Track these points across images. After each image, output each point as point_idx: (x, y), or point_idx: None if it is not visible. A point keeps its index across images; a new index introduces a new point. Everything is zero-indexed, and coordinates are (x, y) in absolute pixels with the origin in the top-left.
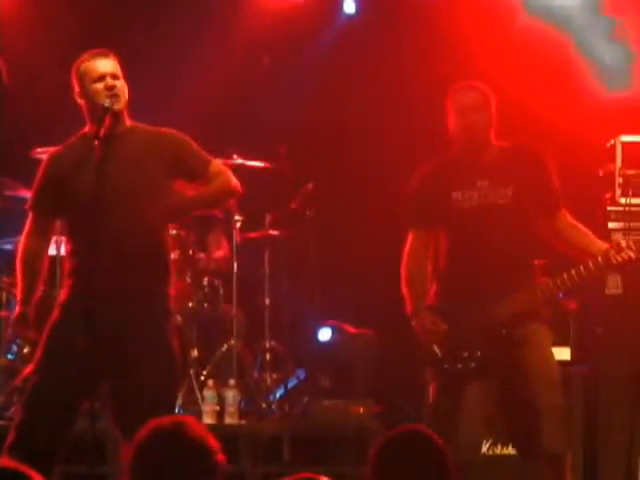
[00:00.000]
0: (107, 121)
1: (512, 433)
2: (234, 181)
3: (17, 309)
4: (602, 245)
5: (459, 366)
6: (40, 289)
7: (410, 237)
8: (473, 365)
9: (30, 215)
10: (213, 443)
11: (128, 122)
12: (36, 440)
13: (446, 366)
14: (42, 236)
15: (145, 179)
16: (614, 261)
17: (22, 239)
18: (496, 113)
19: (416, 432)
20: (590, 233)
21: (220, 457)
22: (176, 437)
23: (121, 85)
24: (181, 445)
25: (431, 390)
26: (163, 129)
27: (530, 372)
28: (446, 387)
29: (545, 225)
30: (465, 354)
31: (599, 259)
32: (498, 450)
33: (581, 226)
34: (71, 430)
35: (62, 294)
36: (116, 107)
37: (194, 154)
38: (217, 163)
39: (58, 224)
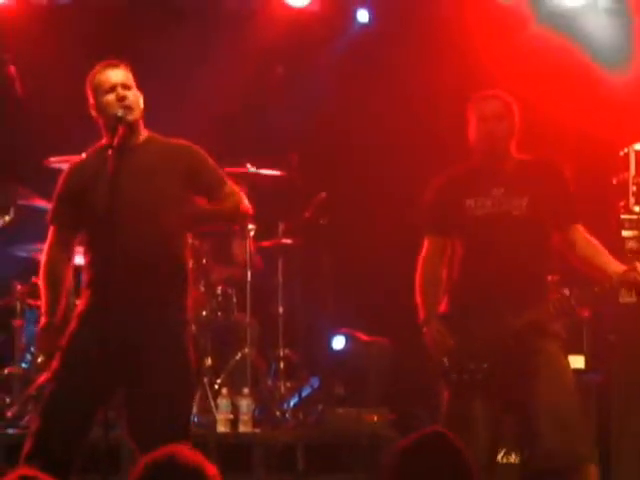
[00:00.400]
0: (120, 131)
1: (524, 444)
2: (246, 204)
3: (42, 320)
4: (618, 267)
5: (465, 377)
6: (64, 301)
7: (426, 244)
8: (479, 376)
9: (51, 228)
10: (211, 470)
11: (145, 133)
12: (53, 449)
13: (453, 376)
14: (63, 248)
15: (159, 190)
16: (631, 284)
17: (44, 251)
18: (519, 124)
19: (438, 435)
20: (606, 251)
21: None
22: (170, 469)
23: (134, 95)
24: (176, 477)
25: (444, 398)
26: (180, 141)
27: (543, 382)
28: (455, 397)
29: (559, 239)
30: (472, 365)
31: (615, 281)
32: (509, 459)
33: (597, 242)
34: (87, 439)
35: (80, 304)
36: (129, 117)
37: (209, 169)
38: (232, 184)
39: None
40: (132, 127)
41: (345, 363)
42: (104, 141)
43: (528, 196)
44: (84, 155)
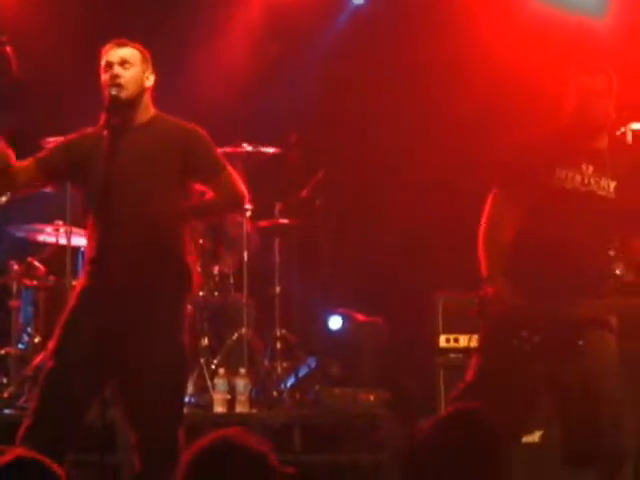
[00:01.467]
0: (114, 109)
1: (565, 430)
2: (243, 191)
3: None
4: None
5: (515, 342)
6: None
7: (494, 198)
8: (528, 347)
9: (33, 158)
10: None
11: (151, 112)
12: (52, 425)
13: (500, 335)
14: (25, 175)
15: (156, 171)
16: None
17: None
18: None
19: (470, 413)
20: None
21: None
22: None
23: (130, 74)
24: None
25: (472, 364)
26: (185, 123)
27: (590, 370)
28: (493, 361)
29: (636, 233)
30: (524, 334)
31: None
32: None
33: None
34: (86, 416)
35: (78, 283)
36: (122, 95)
37: (208, 153)
38: (230, 172)
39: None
40: (130, 106)
41: (342, 343)
42: (102, 117)
43: (617, 180)
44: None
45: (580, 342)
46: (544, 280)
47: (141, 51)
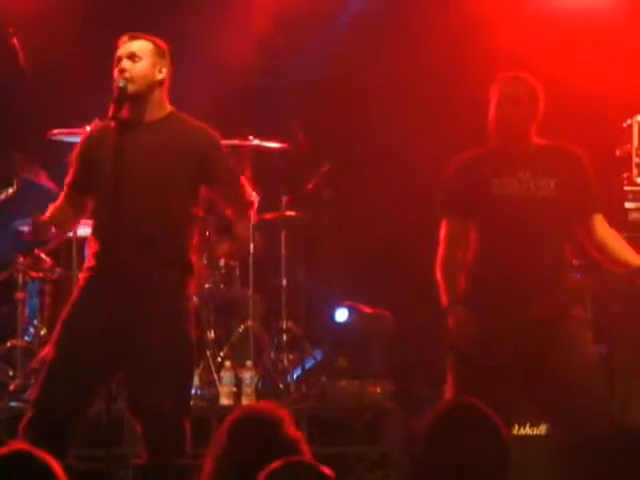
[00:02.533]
0: (121, 102)
1: (556, 422)
2: (254, 202)
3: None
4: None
5: (487, 363)
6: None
7: (446, 225)
8: (501, 362)
9: (65, 189)
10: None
11: (166, 109)
12: (54, 417)
13: (474, 361)
14: (74, 207)
15: (168, 169)
16: None
17: (55, 202)
18: (542, 109)
19: (469, 405)
20: (626, 243)
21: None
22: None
23: (138, 68)
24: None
25: (448, 382)
26: (203, 126)
27: (568, 367)
28: (468, 381)
29: (580, 227)
30: (495, 350)
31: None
32: (526, 430)
33: (619, 236)
34: (87, 410)
35: (82, 276)
36: (129, 88)
37: (225, 163)
38: (243, 184)
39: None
40: (139, 100)
41: (348, 335)
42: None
43: (556, 177)
44: (100, 125)
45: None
46: (503, 290)
47: (156, 44)
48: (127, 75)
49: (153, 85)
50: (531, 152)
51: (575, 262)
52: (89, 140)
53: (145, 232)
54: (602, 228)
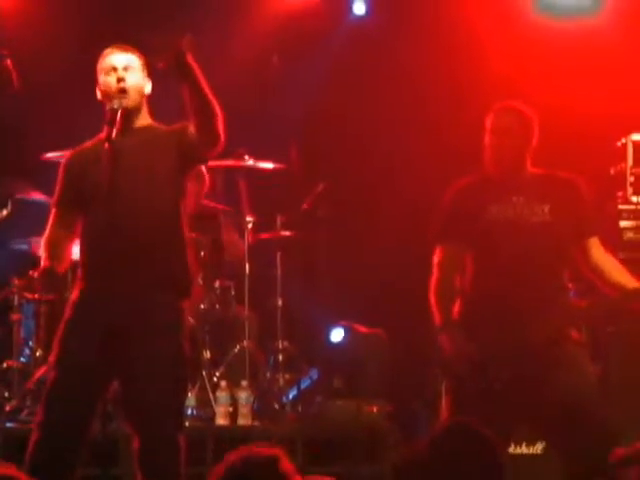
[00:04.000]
0: (117, 122)
1: (555, 448)
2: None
3: (42, 264)
4: (633, 284)
5: (483, 385)
6: (64, 261)
7: (439, 252)
8: (498, 386)
9: (52, 210)
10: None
11: (148, 120)
12: (61, 437)
13: (469, 384)
14: (65, 227)
15: (153, 173)
16: None
17: (46, 231)
18: (536, 139)
19: (465, 426)
20: (622, 268)
21: None
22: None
23: (133, 79)
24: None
25: (444, 403)
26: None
27: (568, 390)
28: (464, 403)
29: (575, 250)
30: (491, 374)
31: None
32: (522, 449)
33: (613, 258)
34: (92, 424)
35: (74, 293)
36: (125, 103)
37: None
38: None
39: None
40: (131, 113)
41: (343, 355)
42: (104, 130)
43: (549, 203)
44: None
45: (550, 361)
46: (500, 315)
47: (140, 58)
48: (126, 85)
49: (143, 98)
50: (525, 180)
51: (570, 285)
52: (74, 157)
53: (137, 244)
54: (597, 252)
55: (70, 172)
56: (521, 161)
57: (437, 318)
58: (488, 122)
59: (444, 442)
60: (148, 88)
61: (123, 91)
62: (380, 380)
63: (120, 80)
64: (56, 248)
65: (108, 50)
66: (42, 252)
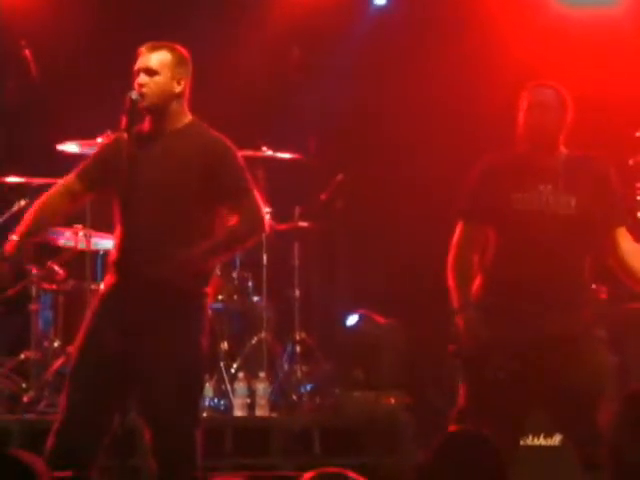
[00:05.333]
0: (133, 114)
1: (569, 438)
2: (265, 219)
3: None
4: None
5: (496, 372)
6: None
7: (460, 229)
8: (502, 375)
9: (68, 176)
10: None
11: (185, 119)
12: (81, 428)
13: (481, 370)
14: (69, 194)
15: (178, 179)
16: None
17: (47, 192)
18: (571, 118)
19: (471, 433)
20: None
21: None
22: None
23: (155, 82)
24: None
25: (461, 392)
26: (217, 136)
27: (586, 385)
28: (478, 390)
29: (604, 243)
30: (497, 362)
31: None
32: (540, 441)
33: None
34: (113, 419)
35: (103, 284)
36: (143, 102)
37: (232, 173)
38: (254, 197)
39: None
40: (157, 113)
41: (361, 345)
42: (122, 119)
43: (577, 196)
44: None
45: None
46: (519, 304)
47: (175, 54)
48: (144, 90)
49: (171, 98)
50: (556, 164)
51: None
52: (114, 143)
53: (159, 242)
54: (625, 242)
55: (104, 155)
56: (557, 139)
57: (455, 299)
58: (523, 99)
59: (448, 450)
60: (180, 86)
61: (142, 95)
62: (397, 370)
63: (139, 86)
64: (44, 213)
65: (140, 49)
66: (25, 215)
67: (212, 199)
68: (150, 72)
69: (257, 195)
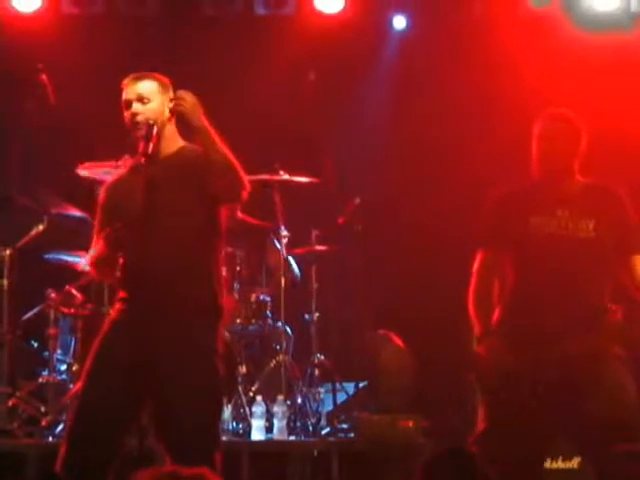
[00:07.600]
0: (141, 149)
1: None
2: (245, 182)
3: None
4: None
5: (517, 399)
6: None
7: (480, 257)
8: (534, 402)
9: (96, 239)
10: None
11: (178, 143)
12: (88, 451)
13: (504, 397)
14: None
15: (179, 201)
16: None
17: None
18: (584, 146)
19: (460, 452)
20: None
21: None
22: None
23: (149, 109)
24: None
25: (480, 415)
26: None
27: (607, 404)
28: (502, 416)
29: (622, 269)
30: (527, 388)
31: None
32: (558, 464)
33: None
34: (122, 442)
35: (113, 311)
36: (137, 134)
37: (215, 154)
38: (235, 165)
39: None
40: (157, 137)
41: (377, 368)
42: (140, 146)
43: (595, 219)
44: (121, 167)
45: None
46: (539, 328)
47: (160, 81)
48: (139, 118)
49: (164, 123)
50: (572, 190)
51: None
52: (110, 188)
53: (164, 269)
54: None
55: (106, 202)
56: (570, 168)
57: (476, 327)
58: (536, 128)
59: (437, 470)
60: (168, 112)
61: (137, 124)
62: (414, 393)
63: (134, 115)
64: (102, 263)
65: (125, 81)
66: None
67: (213, 205)
68: (142, 100)
69: (237, 165)
